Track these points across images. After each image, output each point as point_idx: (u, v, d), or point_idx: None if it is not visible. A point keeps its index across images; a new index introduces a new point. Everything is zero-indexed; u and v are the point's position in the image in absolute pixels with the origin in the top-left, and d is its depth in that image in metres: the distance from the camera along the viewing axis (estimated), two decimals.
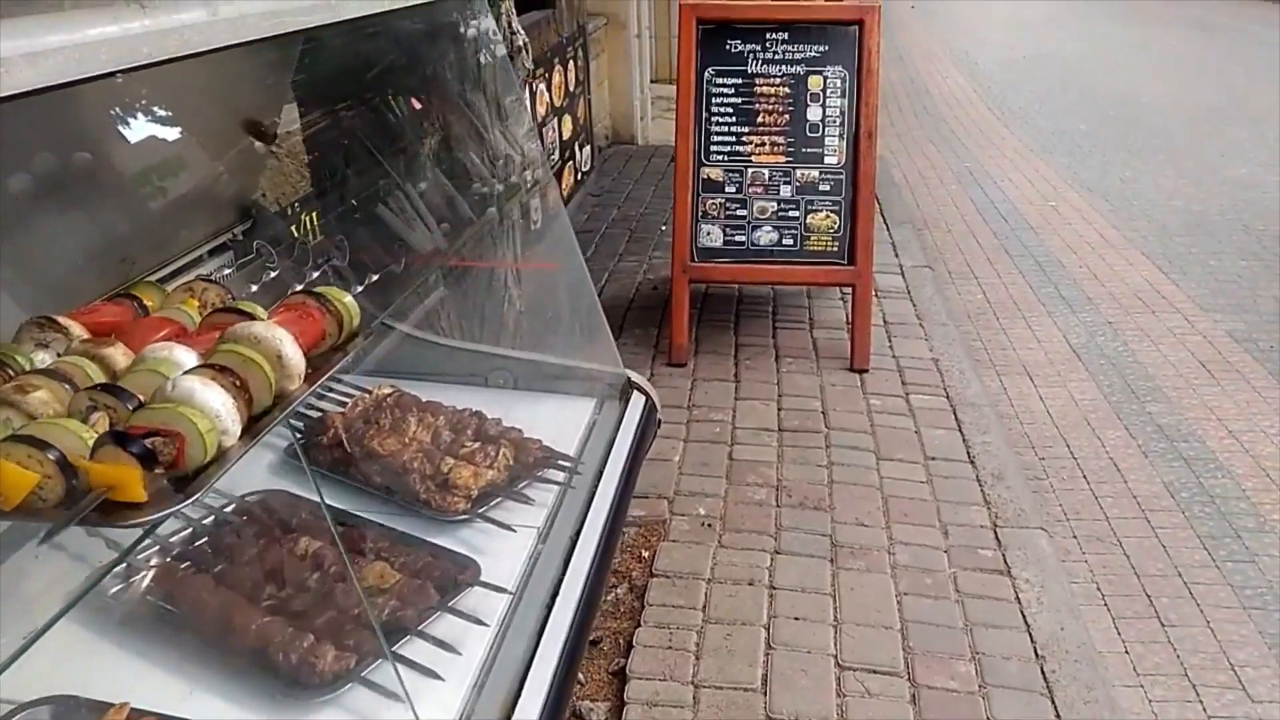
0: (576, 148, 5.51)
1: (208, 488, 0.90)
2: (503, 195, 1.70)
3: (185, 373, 0.97)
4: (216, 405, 0.93)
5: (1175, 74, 10.45)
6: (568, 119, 5.27)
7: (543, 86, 4.75)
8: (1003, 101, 9.27)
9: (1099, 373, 3.86)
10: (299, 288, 1.22)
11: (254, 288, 1.28)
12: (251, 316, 1.11)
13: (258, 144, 1.54)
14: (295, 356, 1.07)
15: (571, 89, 5.36)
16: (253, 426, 1.01)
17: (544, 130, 4.79)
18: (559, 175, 5.11)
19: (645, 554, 2.51)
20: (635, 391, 1.71)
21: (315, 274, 1.34)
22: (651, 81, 7.41)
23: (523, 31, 1.80)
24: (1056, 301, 4.56)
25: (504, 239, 1.76)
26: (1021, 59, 11.86)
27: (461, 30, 1.49)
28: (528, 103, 4.29)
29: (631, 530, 2.59)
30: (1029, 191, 6.28)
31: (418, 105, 1.59)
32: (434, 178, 1.63)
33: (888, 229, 5.15)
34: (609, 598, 2.31)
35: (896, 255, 4.80)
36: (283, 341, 1.05)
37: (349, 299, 1.21)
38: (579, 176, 5.59)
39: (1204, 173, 6.52)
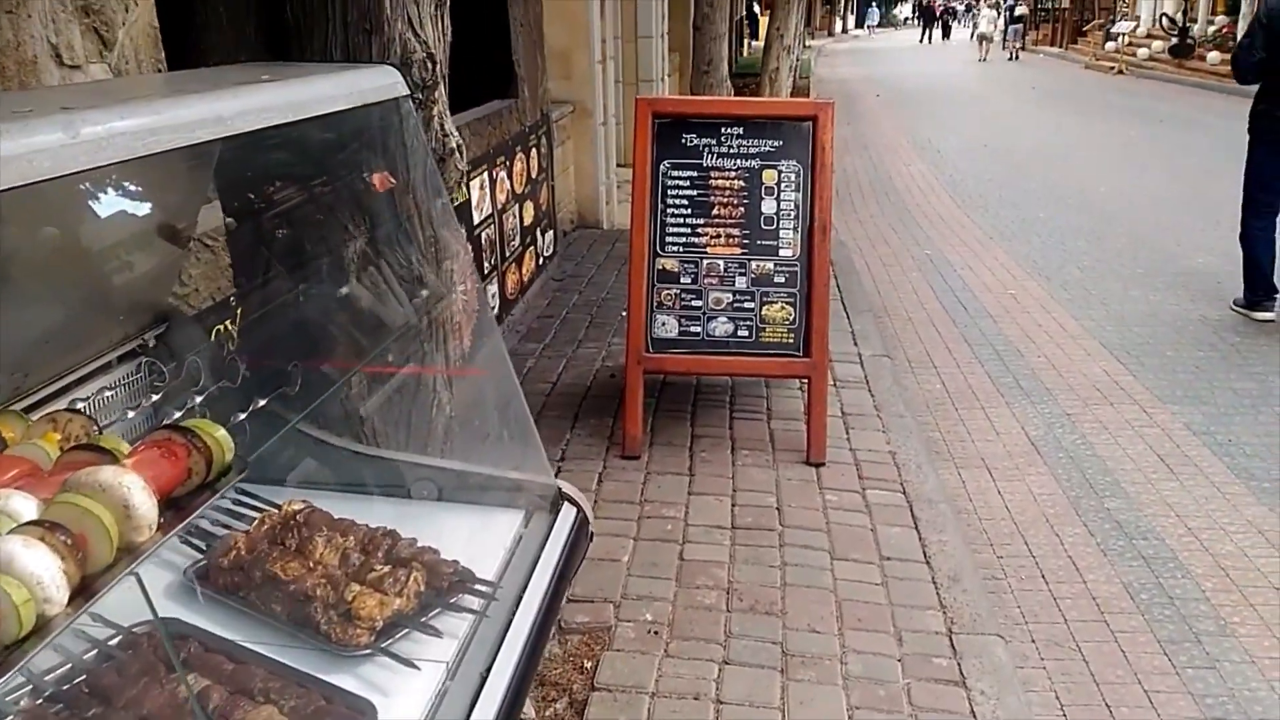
0: (539, 233, 5.51)
1: (19, 667, 0.82)
2: (428, 300, 1.65)
3: (10, 531, 0.89)
4: (39, 571, 0.85)
5: (1132, 164, 10.71)
6: (529, 205, 5.27)
7: (503, 174, 4.76)
8: (964, 189, 9.43)
9: (1057, 466, 3.82)
10: (176, 415, 1.16)
11: (130, 414, 1.21)
12: (111, 453, 1.04)
13: (173, 246, 1.48)
14: (145, 505, 0.99)
15: (534, 175, 5.38)
16: (89, 587, 0.93)
17: (504, 217, 4.79)
18: (519, 261, 5.09)
19: (588, 664, 2.41)
20: (566, 503, 1.63)
21: (203, 395, 1.27)
22: (618, 165, 7.47)
23: (456, 134, 1.77)
24: (1015, 392, 4.55)
25: (430, 344, 1.70)
26: (983, 148, 12.13)
27: (386, 135, 1.46)
28: (475, 195, 4.29)
29: (575, 638, 2.49)
30: (989, 279, 6.33)
31: (343, 209, 1.55)
32: (357, 282, 1.58)
33: (848, 317, 5.15)
34: (547, 713, 2.20)
35: (856, 344, 4.79)
36: (131, 490, 0.98)
37: (221, 433, 1.14)
38: (541, 261, 5.57)
39: (1162, 262, 6.61)
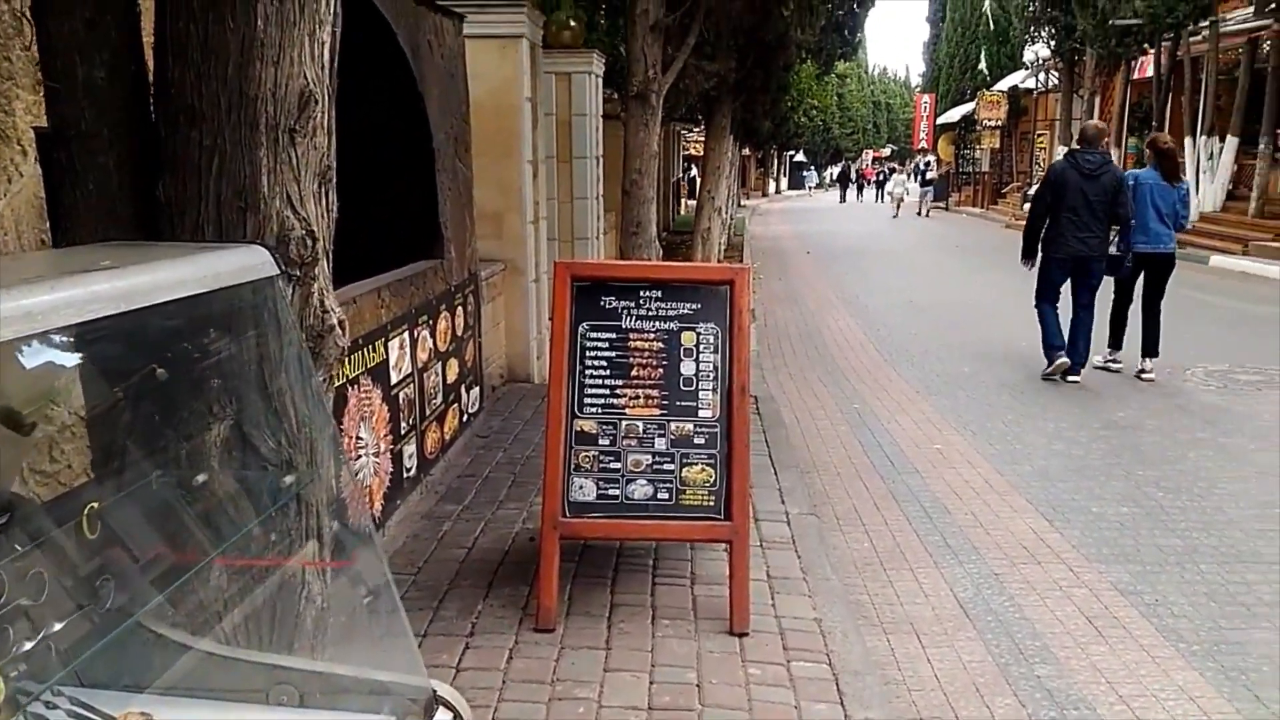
0: (463, 389, 5.44)
1: None
2: (295, 485, 1.56)
3: None
4: None
5: (1021, 308, 11.05)
6: (454, 362, 5.22)
7: (425, 333, 4.72)
8: (890, 344, 9.63)
9: (987, 631, 3.74)
10: None
11: None
12: None
13: (15, 434, 1.38)
14: None
15: (459, 333, 5.35)
16: None
17: (425, 375, 4.72)
18: (441, 419, 5.00)
19: None
20: (441, 707, 1.50)
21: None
22: (550, 319, 7.49)
23: (337, 310, 1.72)
24: (943, 551, 4.49)
25: (297, 531, 1.60)
26: (908, 303, 12.49)
27: (255, 315, 1.40)
28: (395, 355, 4.23)
29: None
30: (915, 434, 6.37)
31: (205, 392, 1.47)
32: (220, 468, 1.48)
33: (775, 473, 5.11)
34: None
35: (783, 501, 4.73)
36: None
37: None
38: (465, 418, 5.49)
39: (1085, 417, 6.73)
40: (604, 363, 3.63)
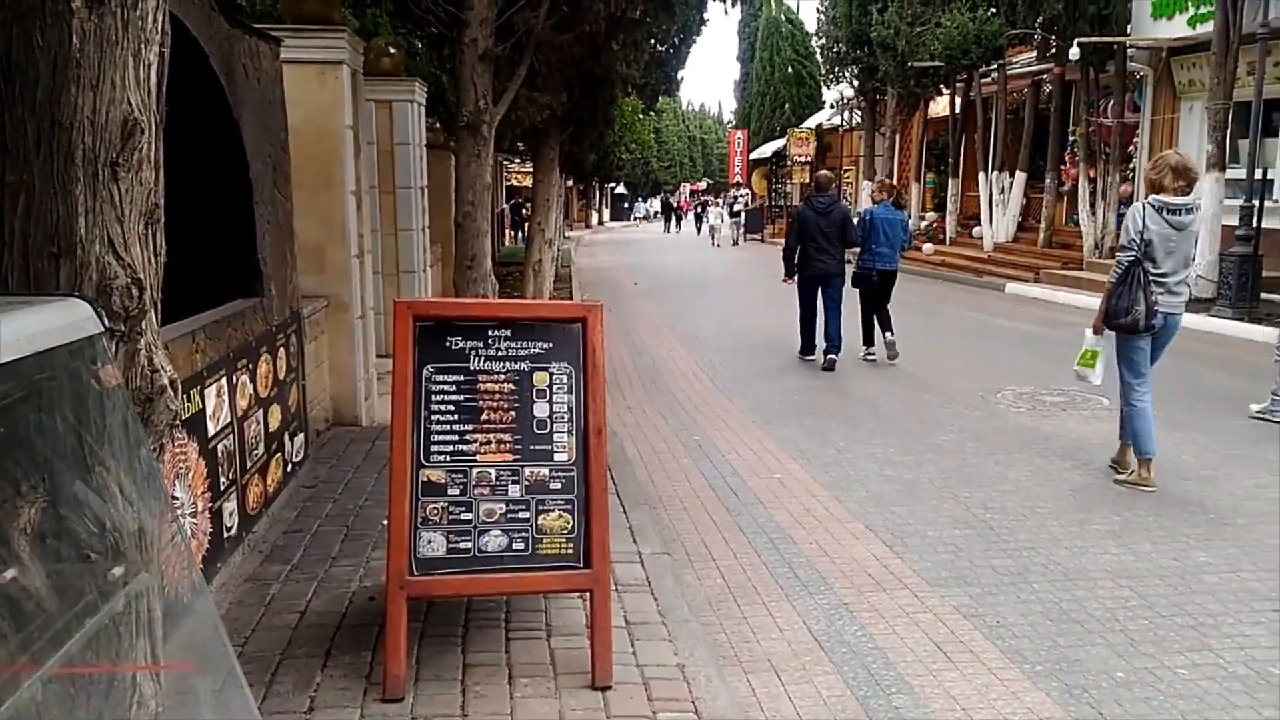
0: (286, 437, 5.07)
1: None
2: (123, 575, 1.32)
3: None
4: None
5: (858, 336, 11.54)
6: (276, 408, 4.86)
7: (245, 379, 4.36)
8: (723, 372, 9.76)
9: (843, 663, 3.74)
10: None
11: None
12: None
13: None
14: None
15: (282, 377, 4.99)
16: None
17: (245, 424, 4.36)
18: (264, 470, 4.63)
19: None
20: None
21: None
22: (379, 356, 7.15)
23: (168, 369, 1.49)
24: (793, 583, 4.49)
25: (125, 628, 1.36)
26: (737, 330, 12.74)
27: (72, 381, 1.17)
28: (212, 404, 3.88)
29: None
30: (755, 463, 6.42)
31: (10, 472, 1.22)
32: (31, 560, 1.23)
33: (625, 512, 5.01)
34: None
35: (635, 541, 4.63)
36: None
37: None
38: (289, 468, 5.11)
39: (910, 440, 6.98)
40: (451, 407, 3.43)
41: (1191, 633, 3.95)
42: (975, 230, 22.32)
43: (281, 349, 5.02)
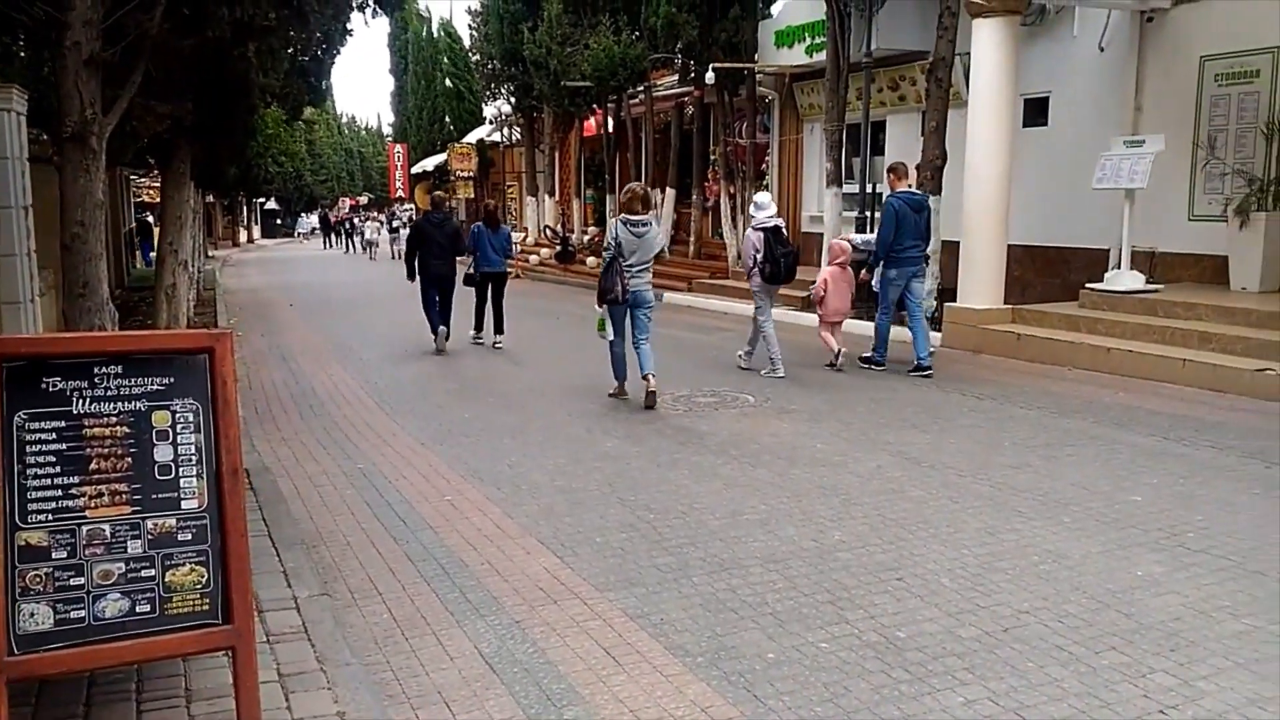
0: None
1: None
2: None
3: None
4: None
5: (542, 354, 11.67)
6: None
7: None
8: (390, 395, 9.45)
9: (514, 683, 3.69)
10: None
11: None
12: None
13: None
14: None
15: None
16: None
17: None
18: None
19: None
20: None
21: None
22: None
23: None
24: (464, 607, 4.39)
25: None
26: (402, 348, 12.41)
27: None
28: None
29: None
30: (425, 488, 6.24)
31: None
32: None
33: (278, 554, 4.67)
34: None
35: (290, 585, 4.32)
36: None
37: None
38: None
39: (580, 449, 7.10)
40: (52, 458, 2.99)
41: (830, 608, 4.31)
42: None
43: None
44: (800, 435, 7.46)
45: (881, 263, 9.98)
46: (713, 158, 21.30)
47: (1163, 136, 10.96)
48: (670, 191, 22.19)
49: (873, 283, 10.33)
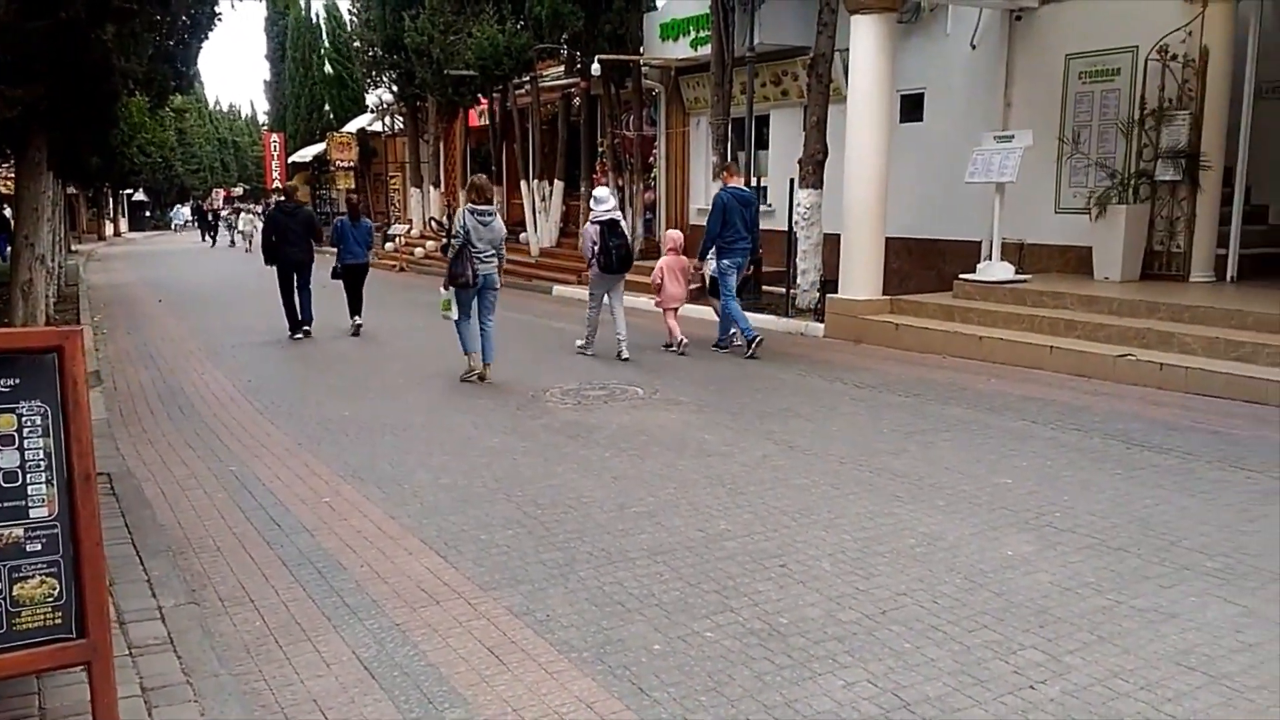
0: None
1: None
2: None
3: None
4: None
5: (417, 345, 11.44)
6: None
7: None
8: (265, 393, 9.13)
9: (394, 688, 3.59)
10: None
11: None
12: None
13: None
14: None
15: None
16: None
17: None
18: None
19: None
20: None
21: None
22: None
23: None
24: (342, 612, 4.25)
25: None
26: (278, 346, 12.00)
27: None
28: None
29: None
30: (301, 489, 6.04)
31: None
32: None
33: (142, 563, 4.45)
34: None
35: (154, 595, 4.12)
36: None
37: None
38: None
39: (465, 446, 6.98)
40: None
41: (715, 597, 4.33)
42: (522, 236, 23.14)
43: None
44: (689, 426, 7.50)
45: (714, 253, 10.87)
46: (601, 150, 21.26)
47: (1030, 132, 11.42)
48: (559, 184, 22.05)
49: (709, 272, 11.30)
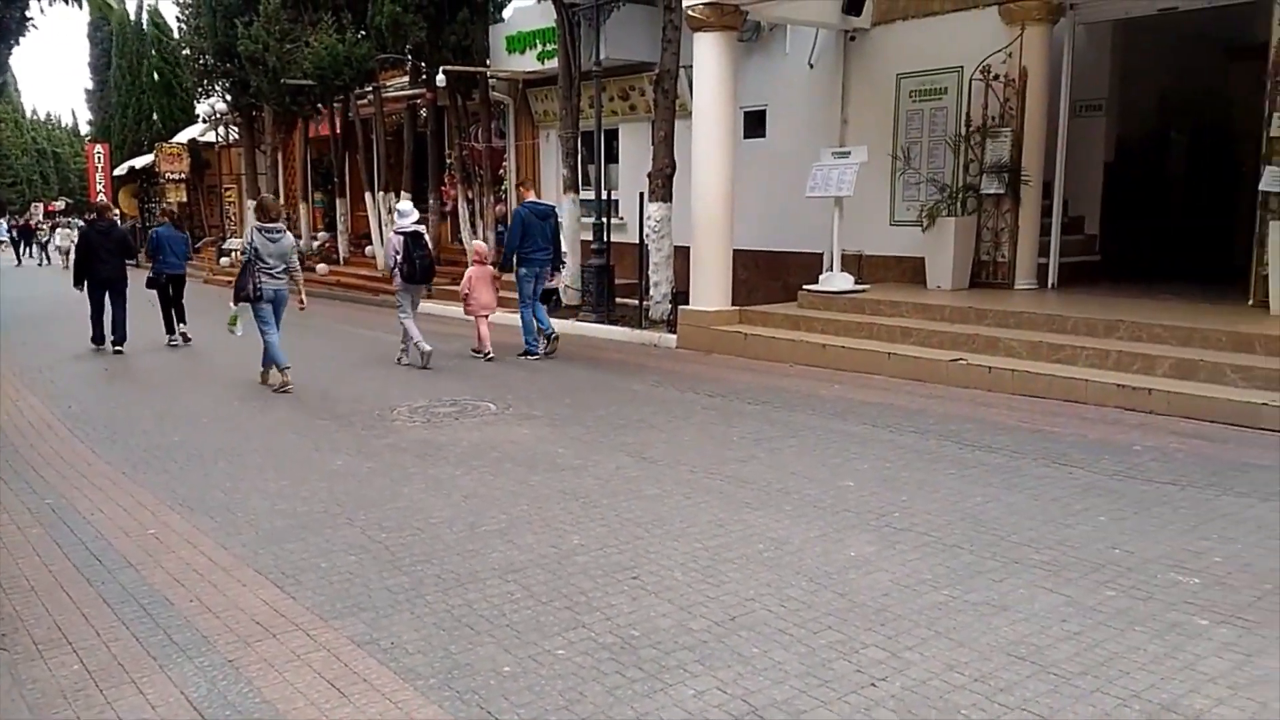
0: None
1: None
2: None
3: None
4: None
5: (253, 363, 10.95)
6: None
7: None
8: (85, 420, 8.54)
9: None
10: None
11: None
12: None
13: None
14: None
15: None
16: None
17: None
18: None
19: None
20: None
21: None
22: None
23: None
24: (169, 650, 3.99)
25: None
26: (100, 370, 11.28)
27: None
28: None
29: None
30: (125, 521, 5.65)
31: None
32: None
33: None
34: None
35: None
36: None
37: None
38: None
39: (305, 470, 6.70)
40: None
41: (567, 613, 4.28)
42: (368, 249, 22.55)
43: None
44: (542, 441, 7.43)
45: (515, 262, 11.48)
46: (449, 161, 20.94)
47: (866, 148, 11.88)
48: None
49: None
